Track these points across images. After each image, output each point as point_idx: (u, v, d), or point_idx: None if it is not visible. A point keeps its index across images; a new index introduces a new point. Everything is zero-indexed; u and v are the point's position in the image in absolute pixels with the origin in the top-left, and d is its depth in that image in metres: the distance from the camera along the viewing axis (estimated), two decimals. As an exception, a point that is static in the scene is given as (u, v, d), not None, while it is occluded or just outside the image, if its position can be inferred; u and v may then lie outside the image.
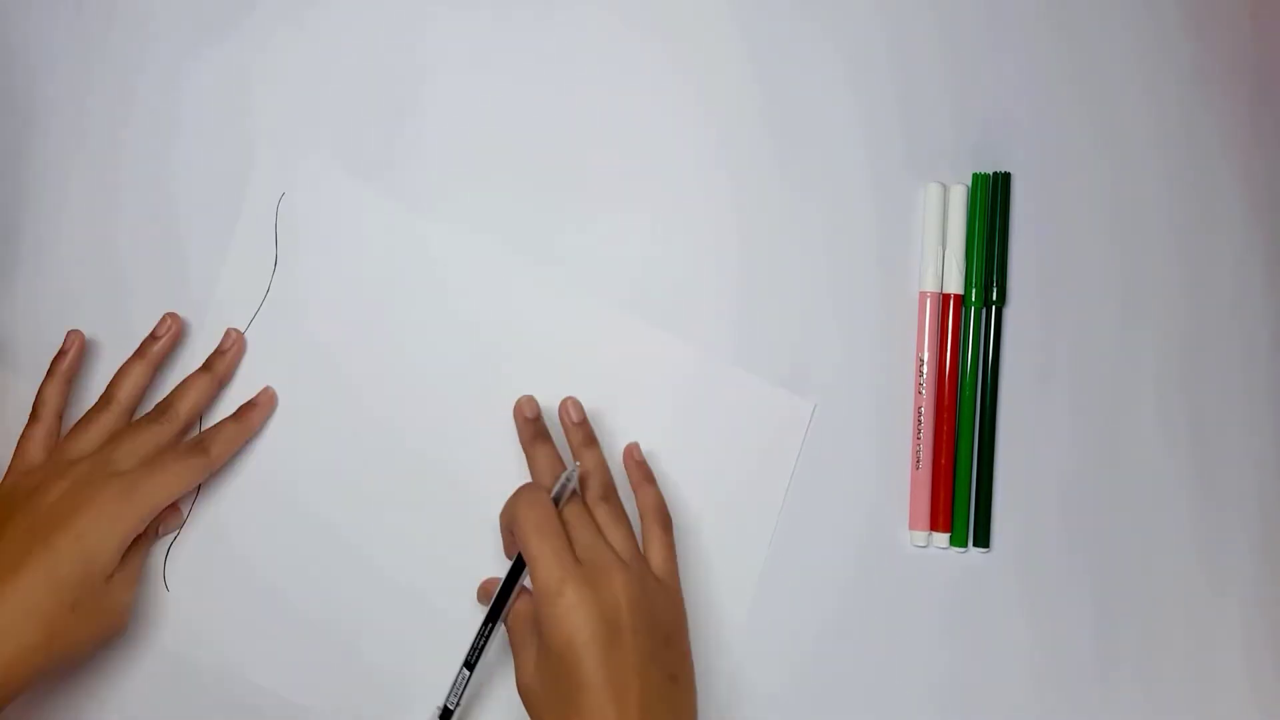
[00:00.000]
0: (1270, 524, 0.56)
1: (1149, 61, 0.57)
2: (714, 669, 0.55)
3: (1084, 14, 0.57)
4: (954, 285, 0.56)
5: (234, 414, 0.55)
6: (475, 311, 0.57)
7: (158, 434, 0.53)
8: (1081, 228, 0.57)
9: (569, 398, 0.55)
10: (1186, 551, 0.56)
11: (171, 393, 0.55)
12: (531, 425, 0.54)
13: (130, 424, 0.54)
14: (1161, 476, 0.56)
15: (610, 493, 0.53)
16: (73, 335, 0.55)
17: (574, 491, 0.52)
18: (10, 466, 0.53)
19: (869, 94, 0.57)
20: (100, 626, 0.51)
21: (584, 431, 0.54)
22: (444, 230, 0.57)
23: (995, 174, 0.57)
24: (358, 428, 0.56)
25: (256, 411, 0.56)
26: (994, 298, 0.56)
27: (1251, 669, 0.56)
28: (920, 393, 0.56)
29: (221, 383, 0.56)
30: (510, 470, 0.55)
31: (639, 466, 0.55)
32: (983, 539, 0.56)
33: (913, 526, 0.56)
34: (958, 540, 0.56)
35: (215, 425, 0.55)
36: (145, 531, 0.53)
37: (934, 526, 0.56)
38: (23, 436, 0.54)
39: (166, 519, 0.55)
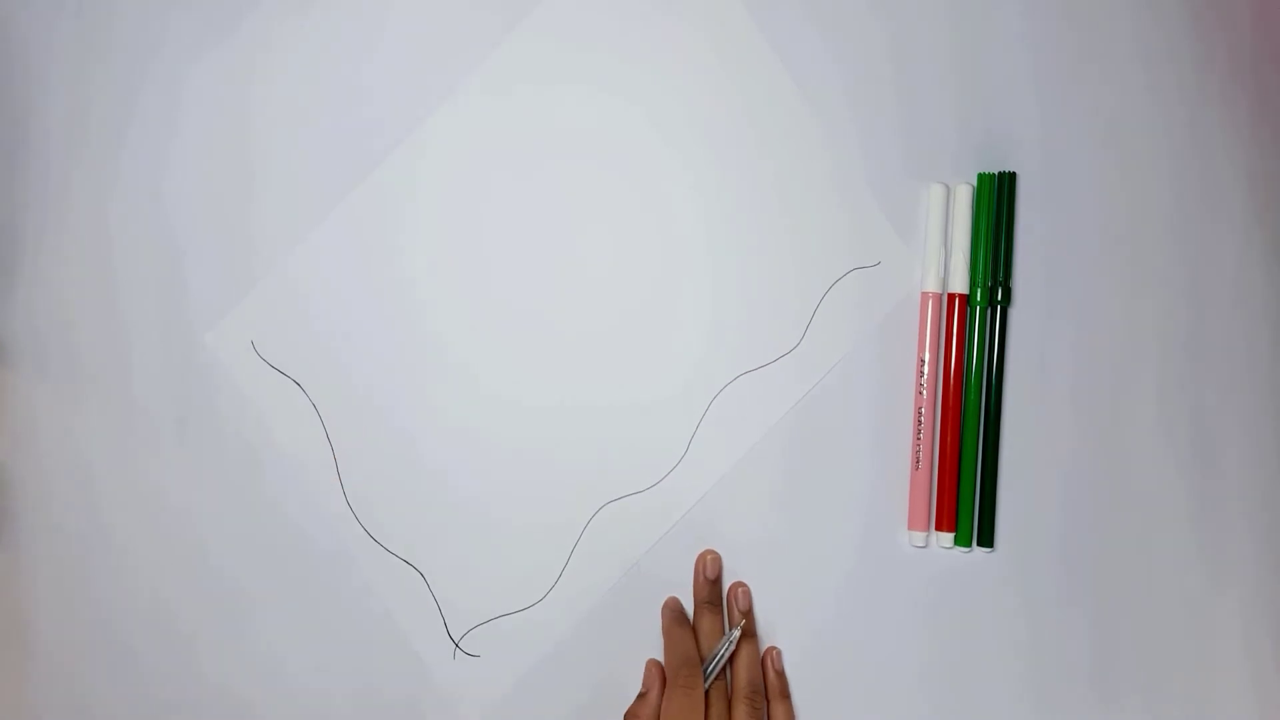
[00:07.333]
0: (1271, 523, 0.56)
1: (1153, 61, 0.57)
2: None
3: (1088, 14, 0.57)
4: (959, 285, 0.56)
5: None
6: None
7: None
8: (1086, 228, 0.57)
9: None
10: (1189, 550, 0.56)
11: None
12: (709, 587, 0.55)
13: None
14: (1165, 476, 0.56)
15: (756, 692, 0.53)
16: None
17: (723, 661, 0.53)
18: None
19: (873, 94, 0.57)
20: None
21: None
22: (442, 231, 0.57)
23: (1000, 174, 0.56)
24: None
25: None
26: (999, 298, 0.56)
27: (1252, 668, 0.56)
28: (920, 393, 0.56)
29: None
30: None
31: (779, 677, 0.55)
32: (987, 539, 0.56)
33: (912, 526, 0.56)
34: (962, 540, 0.56)
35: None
36: None
37: (938, 526, 0.56)
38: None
39: None
